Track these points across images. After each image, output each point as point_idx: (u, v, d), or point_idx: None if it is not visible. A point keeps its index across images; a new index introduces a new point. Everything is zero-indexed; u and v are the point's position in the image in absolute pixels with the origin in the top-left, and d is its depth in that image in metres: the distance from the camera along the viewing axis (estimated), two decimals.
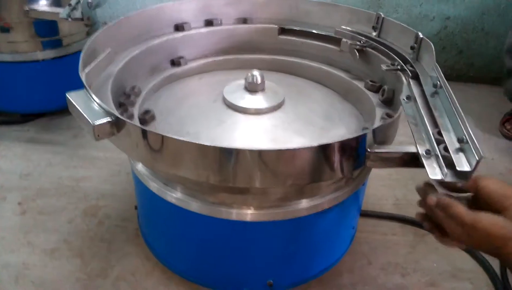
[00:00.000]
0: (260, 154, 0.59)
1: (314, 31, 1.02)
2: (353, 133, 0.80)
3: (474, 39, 1.70)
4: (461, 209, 0.54)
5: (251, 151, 0.58)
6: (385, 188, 1.14)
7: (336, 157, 0.62)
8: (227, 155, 0.60)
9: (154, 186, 0.77)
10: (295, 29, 1.05)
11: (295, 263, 0.83)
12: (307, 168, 0.61)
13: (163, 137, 0.60)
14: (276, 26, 1.05)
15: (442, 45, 1.72)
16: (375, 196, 1.11)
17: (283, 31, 1.06)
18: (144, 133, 0.61)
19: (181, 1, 1.00)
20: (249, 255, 0.80)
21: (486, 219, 0.52)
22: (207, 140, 0.74)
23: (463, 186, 0.58)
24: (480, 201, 0.57)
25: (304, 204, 0.75)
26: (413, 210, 1.05)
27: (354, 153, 0.64)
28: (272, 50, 1.05)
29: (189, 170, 0.63)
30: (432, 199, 0.57)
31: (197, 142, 0.59)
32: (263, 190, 0.71)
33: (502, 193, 0.55)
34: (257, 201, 0.73)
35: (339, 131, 0.81)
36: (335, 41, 0.98)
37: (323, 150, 0.60)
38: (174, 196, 0.75)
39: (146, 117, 0.79)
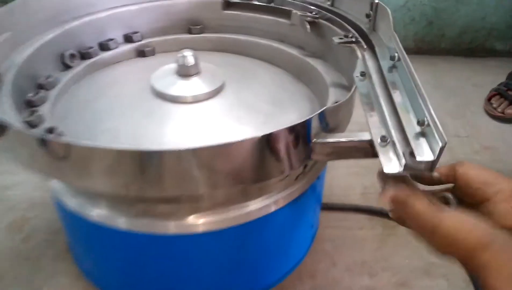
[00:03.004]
0: (163, 156, 0.47)
1: (261, 4, 0.90)
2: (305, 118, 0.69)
3: (445, 8, 1.60)
4: (419, 208, 0.43)
5: (155, 153, 0.46)
6: (352, 176, 1.03)
7: (268, 154, 0.50)
8: (134, 159, 0.48)
9: (70, 201, 0.64)
10: (241, 2, 0.92)
11: (245, 275, 0.72)
12: (228, 170, 0.49)
13: (55, 142, 0.47)
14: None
15: (411, 17, 1.61)
16: (341, 186, 1.00)
17: (228, 5, 0.93)
18: (31, 137, 0.49)
19: None
20: (191, 272, 0.68)
21: (449, 221, 0.40)
22: (126, 137, 0.63)
23: (439, 176, 0.49)
24: (460, 192, 0.48)
25: (251, 206, 0.64)
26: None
27: (295, 147, 0.52)
28: (217, 28, 0.93)
29: (93, 182, 0.51)
30: (386, 194, 0.46)
31: (92, 146, 0.46)
32: (197, 196, 0.60)
33: (483, 180, 0.45)
34: (193, 209, 0.61)
35: (289, 116, 0.69)
36: (285, 13, 0.86)
37: (247, 147, 0.48)
38: (96, 212, 0.63)
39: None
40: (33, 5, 0.76)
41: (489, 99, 1.34)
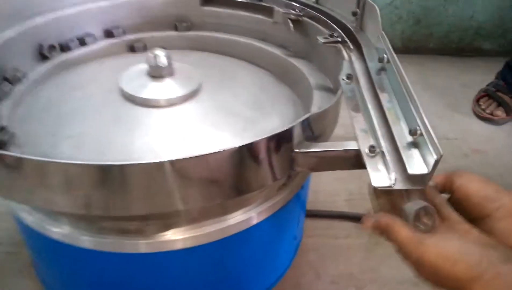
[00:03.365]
0: (128, 171, 0.42)
1: (242, 0, 0.84)
2: (288, 123, 0.64)
3: (432, 7, 1.57)
4: (400, 238, 0.39)
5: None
6: (337, 181, 0.99)
7: (247, 166, 0.45)
8: (95, 176, 0.42)
9: (27, 217, 0.58)
10: None
11: None
12: (202, 185, 0.45)
13: None
14: None
15: (398, 15, 1.58)
16: (326, 192, 0.96)
17: (207, 1, 0.87)
18: None
19: None
20: None
21: (433, 251, 0.37)
22: (91, 145, 0.57)
23: (435, 185, 0.44)
24: (458, 205, 0.43)
25: (231, 220, 0.58)
26: (368, 206, 0.93)
27: (276, 158, 0.47)
28: (195, 25, 0.87)
29: (48, 201, 0.45)
30: (367, 223, 0.42)
31: (44, 161, 0.41)
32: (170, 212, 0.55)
33: (484, 195, 0.41)
34: (167, 225, 0.56)
35: (270, 121, 0.64)
36: (267, 11, 0.81)
37: (224, 159, 0.43)
38: (57, 230, 0.56)
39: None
40: None
41: (477, 100, 1.32)
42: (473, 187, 0.42)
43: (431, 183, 0.45)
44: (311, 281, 0.77)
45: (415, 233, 0.38)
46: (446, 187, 0.45)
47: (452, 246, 0.36)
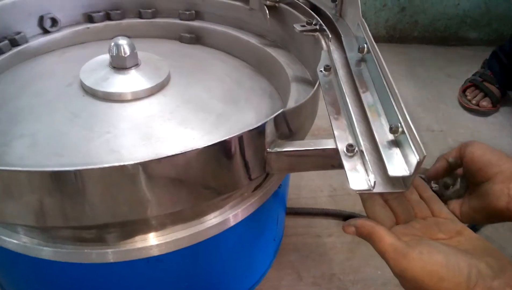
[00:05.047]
0: (83, 177, 0.37)
1: None
2: (264, 118, 0.59)
3: None
4: (386, 245, 0.36)
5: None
6: (319, 176, 0.95)
7: (211, 170, 0.41)
8: (45, 182, 0.38)
9: None
10: None
11: None
12: (163, 191, 0.40)
13: None
14: None
15: (382, 2, 1.53)
16: (309, 188, 0.92)
17: None
18: None
19: None
20: None
21: (417, 265, 0.34)
22: (47, 144, 0.52)
23: (455, 160, 0.47)
24: (466, 170, 0.46)
25: (203, 224, 0.54)
26: (351, 202, 0.90)
27: (245, 159, 0.43)
28: (167, 12, 0.82)
29: None
30: (349, 227, 0.39)
31: None
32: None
33: (487, 161, 0.44)
34: (135, 231, 0.51)
35: (244, 117, 0.60)
36: None
37: (186, 162, 0.39)
38: (12, 240, 0.51)
39: None
40: None
41: (463, 90, 1.28)
42: (478, 153, 0.44)
43: (451, 159, 0.47)
44: (292, 283, 0.73)
45: (400, 242, 0.35)
46: (460, 157, 0.46)
47: (438, 260, 0.34)
